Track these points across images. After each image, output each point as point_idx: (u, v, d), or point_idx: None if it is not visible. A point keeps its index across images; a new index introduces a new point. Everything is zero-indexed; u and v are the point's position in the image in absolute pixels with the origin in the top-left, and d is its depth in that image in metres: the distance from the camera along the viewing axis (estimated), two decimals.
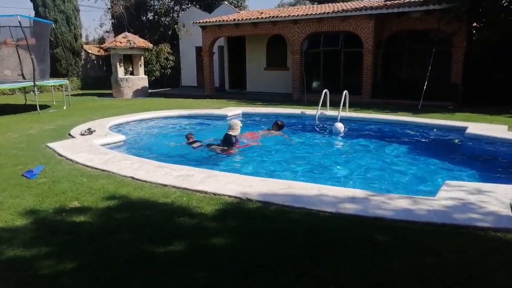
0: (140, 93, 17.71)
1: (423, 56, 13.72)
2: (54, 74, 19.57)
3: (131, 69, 18.46)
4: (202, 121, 10.48)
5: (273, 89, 17.71)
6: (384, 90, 14.05)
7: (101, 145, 6.89)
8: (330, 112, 10.35)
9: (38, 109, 12.03)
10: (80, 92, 20.66)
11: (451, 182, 4.67)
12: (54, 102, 14.60)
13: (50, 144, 6.88)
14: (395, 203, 3.99)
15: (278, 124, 8.44)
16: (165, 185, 4.73)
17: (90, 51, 24.18)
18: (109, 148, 7.05)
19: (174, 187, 4.67)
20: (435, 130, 8.66)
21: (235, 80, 19.58)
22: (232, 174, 5.13)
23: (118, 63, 17.40)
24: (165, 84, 21.95)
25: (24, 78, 14.46)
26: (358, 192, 4.37)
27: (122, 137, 7.57)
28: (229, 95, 17.59)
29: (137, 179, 4.96)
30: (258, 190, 4.45)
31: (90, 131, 7.79)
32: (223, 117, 10.46)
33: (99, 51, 23.72)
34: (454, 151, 7.30)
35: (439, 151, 7.22)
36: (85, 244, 3.30)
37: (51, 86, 14.25)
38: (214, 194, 4.41)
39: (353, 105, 11.37)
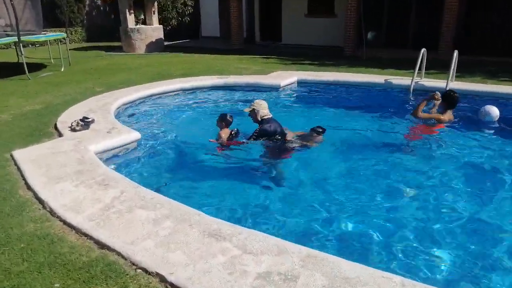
0: (154, 46, 14.60)
1: None
2: (55, 24, 16.48)
3: (142, 17, 15.21)
4: (244, 95, 7.44)
5: (315, 41, 14.38)
6: (469, 43, 10.69)
7: (99, 155, 4.12)
8: (427, 82, 7.26)
9: (27, 72, 9.21)
10: (85, 45, 17.55)
11: None
12: (52, 61, 11.71)
13: (16, 154, 4.12)
14: None
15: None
16: None
17: None
18: (113, 158, 4.29)
19: None
20: None
21: (268, 29, 16.18)
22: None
23: (127, 10, 14.17)
24: (182, 34, 18.64)
25: (16, 29, 11.42)
26: None
27: (135, 135, 4.69)
28: (262, 48, 14.39)
29: None
30: None
31: (86, 123, 4.98)
32: (275, 88, 7.42)
33: None
34: None
35: None
36: None
37: (43, 41, 11.25)
38: None
39: (431, 66, 8.09)
